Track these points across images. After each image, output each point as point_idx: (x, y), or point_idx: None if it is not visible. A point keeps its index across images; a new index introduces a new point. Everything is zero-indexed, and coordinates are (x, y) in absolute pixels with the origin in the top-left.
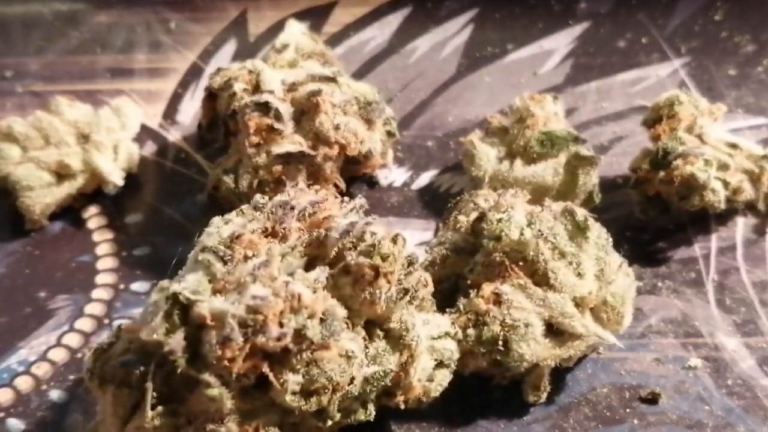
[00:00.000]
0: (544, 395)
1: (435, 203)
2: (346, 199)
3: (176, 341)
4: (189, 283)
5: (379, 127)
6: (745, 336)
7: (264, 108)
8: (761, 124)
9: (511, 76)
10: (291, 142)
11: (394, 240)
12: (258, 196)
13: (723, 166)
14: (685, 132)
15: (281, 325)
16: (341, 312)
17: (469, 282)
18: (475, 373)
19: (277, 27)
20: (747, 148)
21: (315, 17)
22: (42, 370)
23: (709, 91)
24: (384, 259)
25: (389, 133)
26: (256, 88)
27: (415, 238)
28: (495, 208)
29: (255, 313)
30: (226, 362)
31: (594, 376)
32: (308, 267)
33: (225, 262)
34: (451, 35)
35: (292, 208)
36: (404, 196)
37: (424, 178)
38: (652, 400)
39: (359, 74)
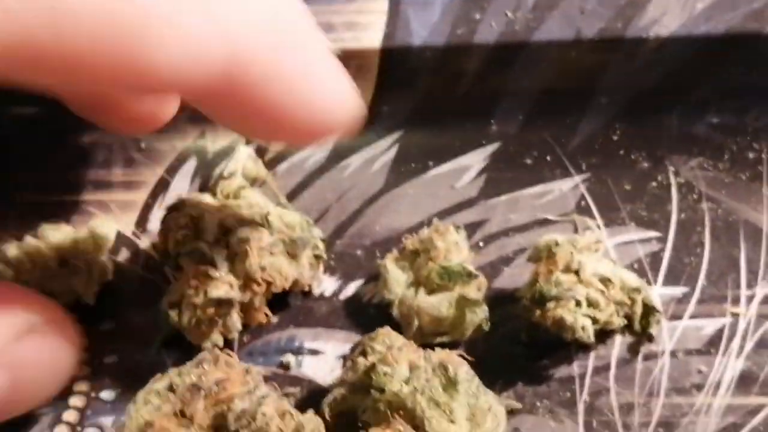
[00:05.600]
0: None
1: (357, 315)
2: (251, 367)
3: None
4: None
5: (307, 254)
6: None
7: (201, 257)
8: (651, 237)
9: (431, 188)
10: (224, 283)
11: (283, 416)
12: (174, 374)
13: (593, 304)
14: (563, 270)
15: None
16: None
17: (360, 424)
18: None
19: (231, 146)
20: (621, 280)
21: None
22: None
23: (606, 204)
24: None
25: (317, 257)
26: (197, 235)
27: (337, 351)
28: (383, 360)
29: None
30: None
31: None
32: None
33: None
34: (380, 153)
35: (200, 389)
36: (332, 307)
37: (351, 288)
38: None
39: (301, 187)
